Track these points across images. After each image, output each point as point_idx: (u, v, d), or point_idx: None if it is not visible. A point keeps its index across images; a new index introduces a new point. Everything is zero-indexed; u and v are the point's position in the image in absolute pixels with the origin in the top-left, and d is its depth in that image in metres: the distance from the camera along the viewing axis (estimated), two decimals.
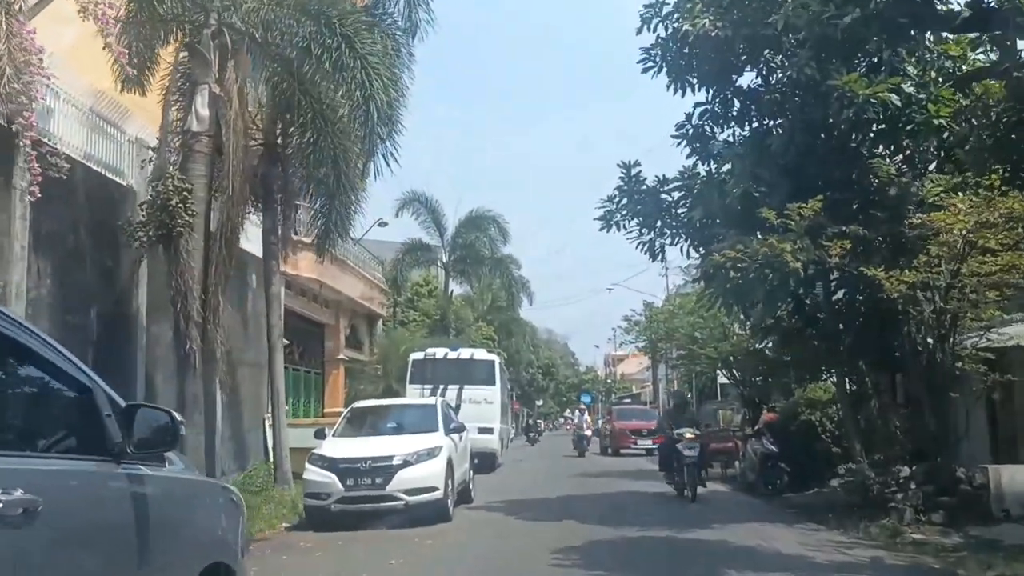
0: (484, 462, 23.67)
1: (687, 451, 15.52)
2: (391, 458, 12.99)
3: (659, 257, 14.51)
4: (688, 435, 15.60)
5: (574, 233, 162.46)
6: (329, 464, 13.06)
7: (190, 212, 11.44)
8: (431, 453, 13.28)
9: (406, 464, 12.95)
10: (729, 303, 13.74)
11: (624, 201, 14.68)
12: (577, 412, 32.52)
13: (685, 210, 14.28)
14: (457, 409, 23.71)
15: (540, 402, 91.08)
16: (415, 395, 23.51)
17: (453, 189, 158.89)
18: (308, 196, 15.19)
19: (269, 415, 21.08)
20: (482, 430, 23.71)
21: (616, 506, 15.31)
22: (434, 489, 13.01)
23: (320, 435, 14.58)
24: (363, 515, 12.84)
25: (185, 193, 11.45)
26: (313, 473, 13.11)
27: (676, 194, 14.47)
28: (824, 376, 16.12)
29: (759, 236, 11.96)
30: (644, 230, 14.41)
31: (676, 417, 17.13)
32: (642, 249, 14.48)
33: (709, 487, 19.44)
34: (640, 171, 14.71)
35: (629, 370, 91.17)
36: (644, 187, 14.64)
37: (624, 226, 14.80)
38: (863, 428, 13.50)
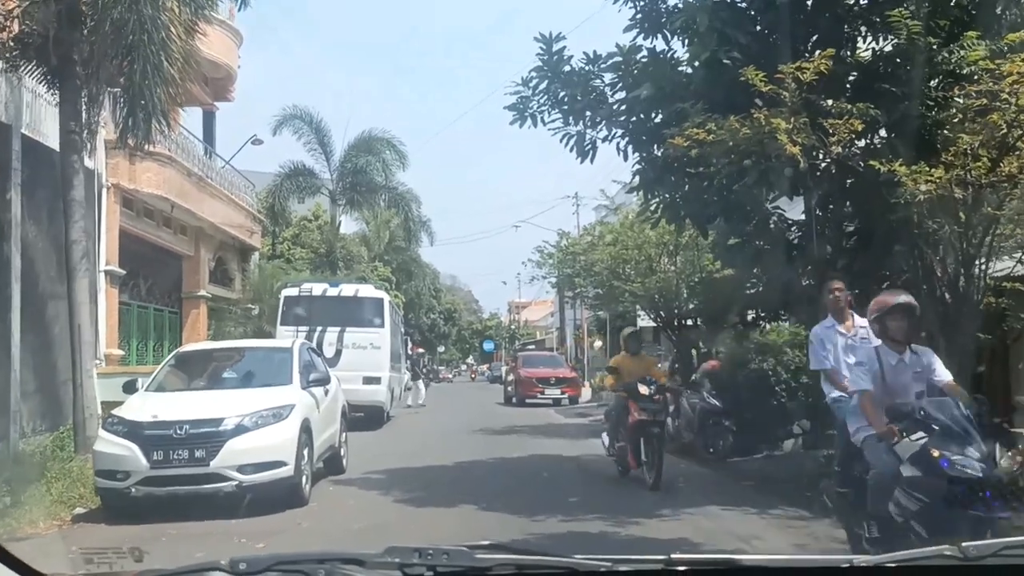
0: (370, 417, 20.28)
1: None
2: (219, 421, 9.32)
3: (590, 155, 11.02)
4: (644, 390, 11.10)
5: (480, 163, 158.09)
6: (130, 430, 9.30)
7: None
8: (278, 414, 9.66)
9: (241, 430, 9.32)
10: (679, 215, 10.43)
11: (543, 85, 11.12)
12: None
13: (623, 95, 10.83)
14: (338, 355, 20.25)
15: (442, 348, 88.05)
16: (288, 338, 19.75)
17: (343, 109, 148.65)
18: (120, 66, 11.10)
19: (99, 360, 17.08)
20: (367, 379, 20.20)
21: (528, 478, 12.02)
22: (280, 464, 9.43)
23: (130, 388, 10.79)
24: (179, 501, 9.21)
25: None
26: (107, 443, 9.35)
27: (610, 75, 10.97)
28: (786, 315, 13.05)
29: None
30: (571, 119, 10.91)
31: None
32: (567, 145, 11.00)
33: None
34: (564, 47, 11.15)
35: (533, 317, 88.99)
36: (569, 67, 11.10)
37: (543, 119, 11.29)
38: None
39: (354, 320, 20.82)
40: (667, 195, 10.57)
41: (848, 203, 9.78)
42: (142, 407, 9.76)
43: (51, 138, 13.81)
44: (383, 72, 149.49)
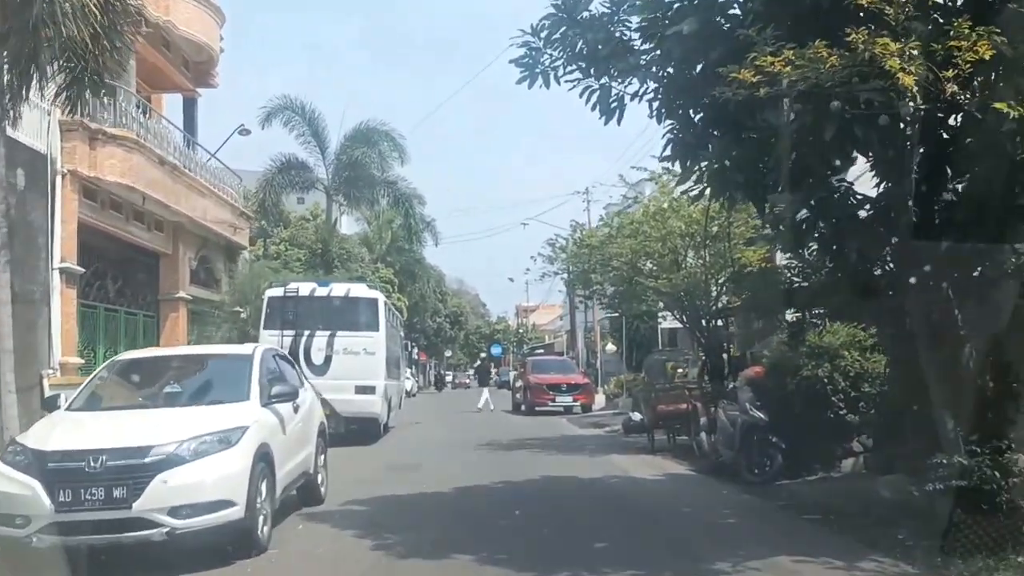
0: (365, 429, 18.28)
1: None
2: (146, 451, 7.23)
3: (616, 115, 8.93)
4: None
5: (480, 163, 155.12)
6: (32, 462, 7.22)
7: None
8: (225, 439, 7.58)
9: (174, 461, 7.23)
10: (729, 184, 8.35)
11: (559, 33, 9.04)
12: None
13: (653, 45, 8.73)
14: (327, 361, 18.29)
15: (449, 353, 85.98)
16: (271, 343, 17.73)
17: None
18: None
19: (52, 370, 15.10)
20: (361, 389, 18.18)
21: (541, 511, 9.87)
22: (226, 504, 7.35)
23: (51, 404, 8.80)
24: (96, 553, 7.17)
25: None
26: (3, 479, 7.28)
27: (637, 18, 8.88)
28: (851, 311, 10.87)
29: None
30: (592, 71, 8.84)
31: None
32: (588, 101, 8.91)
33: (662, 466, 14.43)
34: None
35: (541, 321, 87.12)
36: (589, 12, 9.02)
37: (555, 76, 9.21)
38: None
39: (346, 323, 18.74)
40: (712, 161, 8.47)
41: (948, 165, 7.64)
42: (52, 432, 7.72)
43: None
44: (382, 59, 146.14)
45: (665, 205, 17.34)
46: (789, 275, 10.68)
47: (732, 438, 12.46)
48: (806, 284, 10.60)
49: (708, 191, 8.76)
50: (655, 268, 17.32)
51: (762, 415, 12.01)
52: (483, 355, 71.76)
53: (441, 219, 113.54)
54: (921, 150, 7.22)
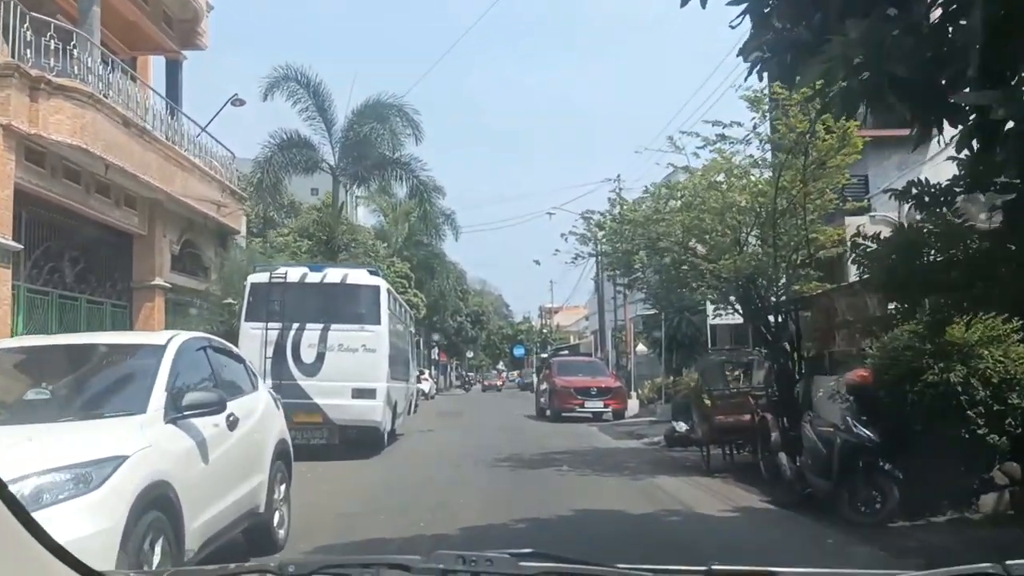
0: (364, 439, 15.50)
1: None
2: None
3: None
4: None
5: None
6: None
7: None
8: (83, 478, 4.75)
9: None
10: (889, 76, 5.35)
11: None
12: None
13: None
14: (320, 360, 15.49)
15: (471, 354, 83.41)
16: (254, 339, 15.00)
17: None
18: None
19: None
20: (358, 392, 15.36)
21: None
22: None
23: None
24: None
25: None
26: None
27: None
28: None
29: None
30: None
31: None
32: None
33: (728, 494, 11.53)
34: None
35: (565, 322, 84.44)
36: None
37: None
38: None
39: (342, 314, 15.87)
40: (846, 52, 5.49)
41: None
42: None
43: None
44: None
45: (720, 178, 14.38)
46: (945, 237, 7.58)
47: (827, 463, 9.49)
48: (959, 256, 7.62)
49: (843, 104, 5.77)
50: (711, 250, 14.32)
51: (870, 433, 9.08)
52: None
53: (461, 211, 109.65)
54: None
